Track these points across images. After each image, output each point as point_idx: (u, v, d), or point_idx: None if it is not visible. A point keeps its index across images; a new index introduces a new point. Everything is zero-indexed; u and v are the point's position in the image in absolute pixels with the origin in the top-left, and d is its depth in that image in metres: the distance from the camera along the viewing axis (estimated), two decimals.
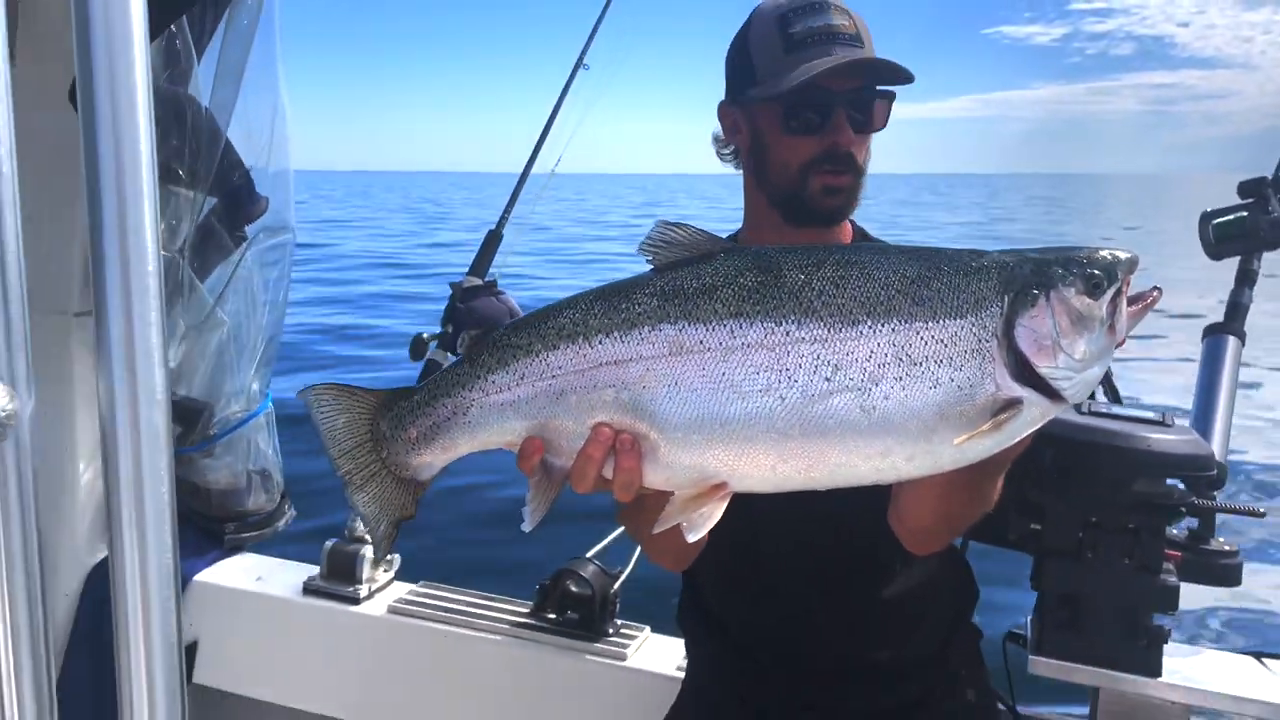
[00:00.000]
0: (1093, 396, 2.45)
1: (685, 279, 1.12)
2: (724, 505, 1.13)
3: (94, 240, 0.70)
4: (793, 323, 1.08)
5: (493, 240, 2.86)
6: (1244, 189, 2.32)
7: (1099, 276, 1.10)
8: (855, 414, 1.06)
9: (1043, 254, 1.14)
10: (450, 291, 2.64)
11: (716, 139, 1.74)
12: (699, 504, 1.13)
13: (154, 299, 0.71)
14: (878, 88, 1.57)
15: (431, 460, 1.21)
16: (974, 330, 1.07)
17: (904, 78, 1.56)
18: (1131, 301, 1.12)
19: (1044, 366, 1.07)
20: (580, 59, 3.07)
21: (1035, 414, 1.08)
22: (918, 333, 1.07)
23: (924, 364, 1.06)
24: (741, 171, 1.71)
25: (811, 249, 1.15)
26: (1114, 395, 2.63)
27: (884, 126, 1.61)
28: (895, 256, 1.12)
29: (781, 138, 1.58)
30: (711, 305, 1.10)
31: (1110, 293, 1.10)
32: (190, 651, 2.46)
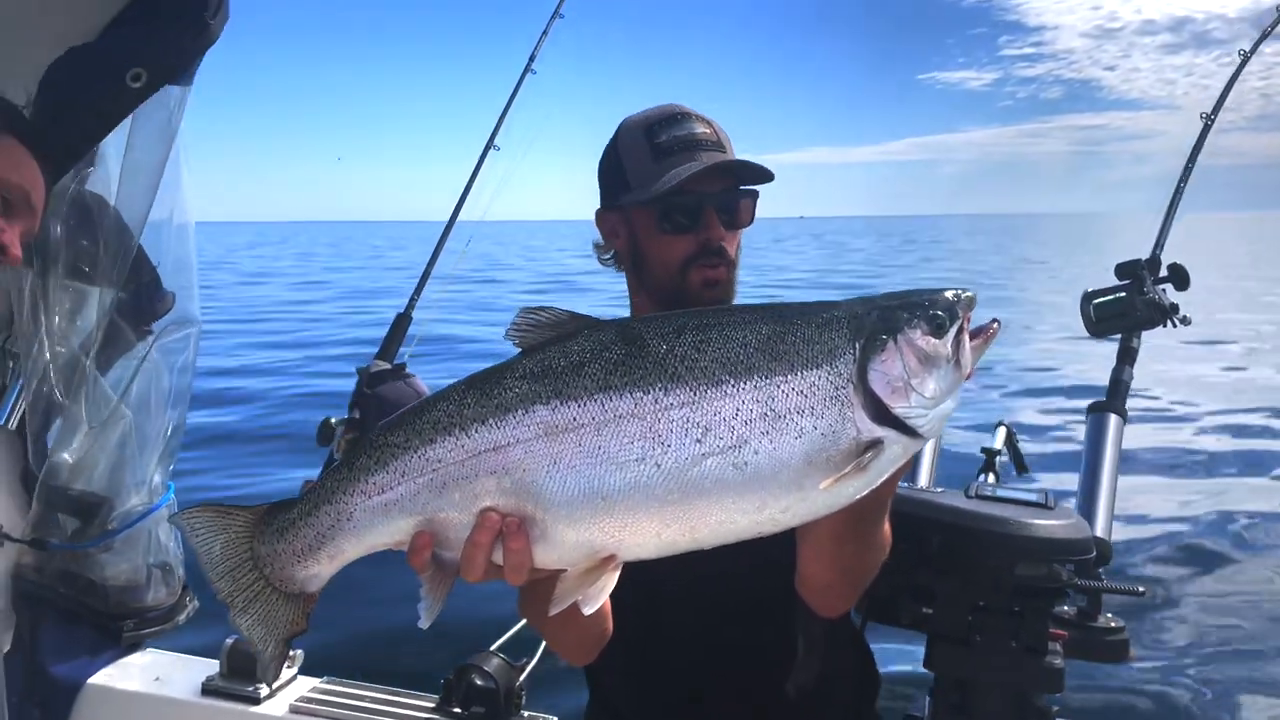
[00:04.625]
0: (995, 478, 2.52)
1: (553, 358, 1.15)
2: (616, 575, 1.15)
3: None
4: (660, 390, 1.11)
5: (401, 323, 2.87)
6: (1121, 270, 2.43)
7: (941, 317, 1.15)
8: (729, 472, 1.10)
9: (888, 300, 1.19)
10: (357, 377, 2.64)
11: (597, 246, 1.81)
12: (591, 578, 1.15)
13: None
14: (742, 188, 1.67)
15: (319, 571, 1.21)
16: (830, 379, 1.12)
17: (765, 177, 1.66)
18: (973, 336, 1.18)
19: (899, 407, 1.12)
20: (490, 140, 3.13)
21: (897, 451, 1.13)
22: (778, 386, 1.11)
23: (787, 416, 1.10)
24: (624, 274, 1.78)
25: (671, 316, 1.19)
26: (1019, 463, 2.71)
27: (750, 222, 1.70)
28: (751, 315, 1.17)
29: (659, 237, 1.66)
30: (580, 381, 1.13)
31: (953, 331, 1.16)
32: None
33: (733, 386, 1.11)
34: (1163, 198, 2.84)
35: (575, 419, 1.12)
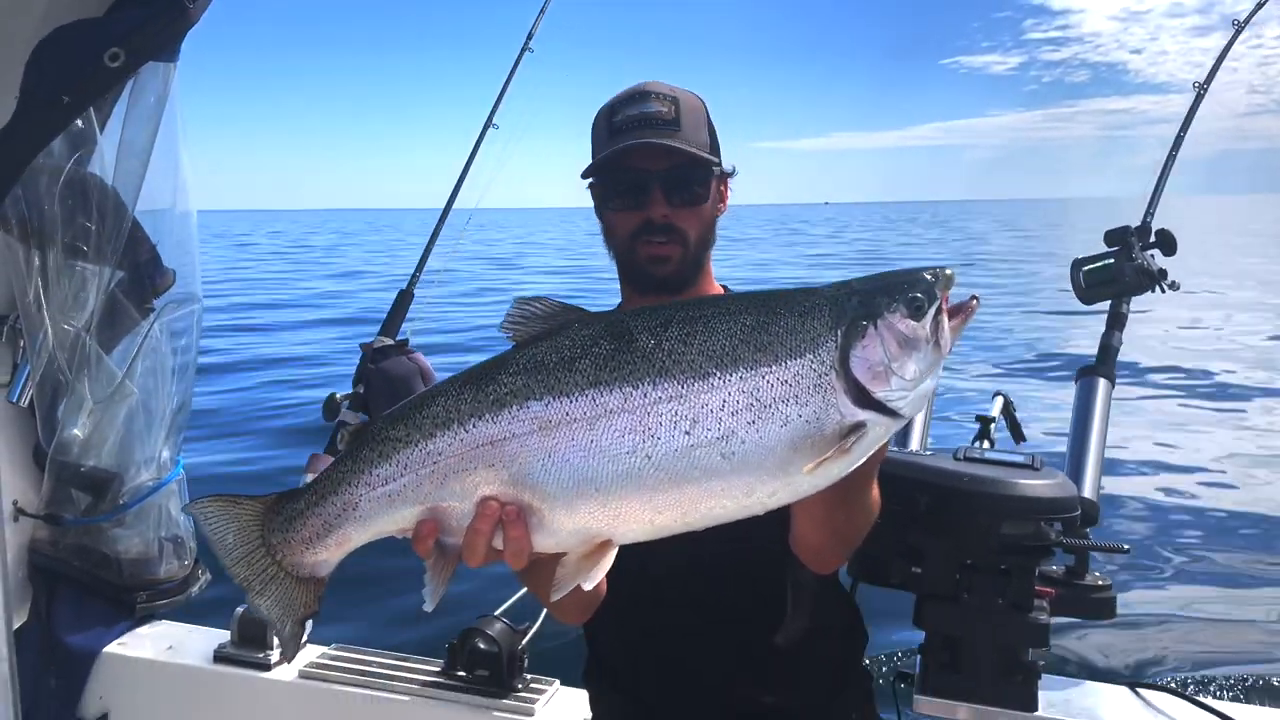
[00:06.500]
0: (991, 444, 2.54)
1: (545, 354, 1.19)
2: (613, 556, 1.20)
3: None
4: (649, 384, 1.15)
5: (403, 300, 2.91)
6: (1110, 237, 2.45)
7: (920, 299, 1.18)
8: (717, 461, 1.14)
9: (867, 283, 1.22)
10: (361, 352, 2.68)
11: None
12: (590, 562, 1.19)
13: None
14: (695, 166, 1.68)
15: (327, 557, 1.26)
16: (813, 367, 1.15)
17: (699, 161, 1.67)
18: (952, 314, 1.21)
19: (880, 391, 1.15)
20: (489, 119, 3.14)
21: (879, 432, 1.17)
22: (763, 377, 1.14)
23: (773, 405, 1.14)
24: None
25: (658, 310, 1.22)
26: (1017, 432, 2.73)
27: (709, 200, 1.72)
28: (735, 305, 1.20)
29: (609, 214, 1.72)
30: (571, 377, 1.16)
31: (931, 312, 1.18)
32: None
33: (719, 379, 1.14)
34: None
35: (568, 414, 1.16)
